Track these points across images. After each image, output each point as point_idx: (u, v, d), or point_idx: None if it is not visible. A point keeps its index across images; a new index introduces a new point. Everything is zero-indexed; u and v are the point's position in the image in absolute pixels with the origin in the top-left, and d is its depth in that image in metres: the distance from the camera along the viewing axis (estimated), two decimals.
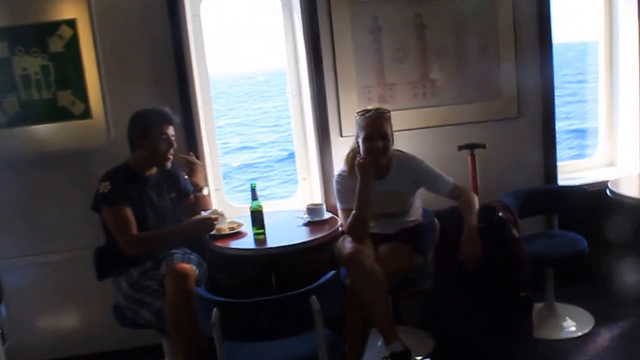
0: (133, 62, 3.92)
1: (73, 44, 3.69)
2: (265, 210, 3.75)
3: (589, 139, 6.86)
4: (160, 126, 3.53)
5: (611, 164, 4.89)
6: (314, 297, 2.61)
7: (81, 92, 3.75)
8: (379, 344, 3.81)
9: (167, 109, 3.57)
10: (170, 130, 3.57)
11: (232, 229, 3.80)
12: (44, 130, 3.77)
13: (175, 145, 3.59)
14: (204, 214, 3.68)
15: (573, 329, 3.99)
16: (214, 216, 3.61)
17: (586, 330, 3.95)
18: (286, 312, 2.64)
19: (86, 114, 3.78)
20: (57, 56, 3.70)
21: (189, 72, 3.95)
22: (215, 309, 2.60)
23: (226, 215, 3.77)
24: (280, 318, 2.64)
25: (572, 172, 4.81)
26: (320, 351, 2.70)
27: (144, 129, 3.52)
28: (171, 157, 3.60)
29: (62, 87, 3.73)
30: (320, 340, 2.68)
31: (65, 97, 3.74)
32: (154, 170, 3.64)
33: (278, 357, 2.86)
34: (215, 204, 4.08)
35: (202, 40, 4.12)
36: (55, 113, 3.75)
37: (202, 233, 3.71)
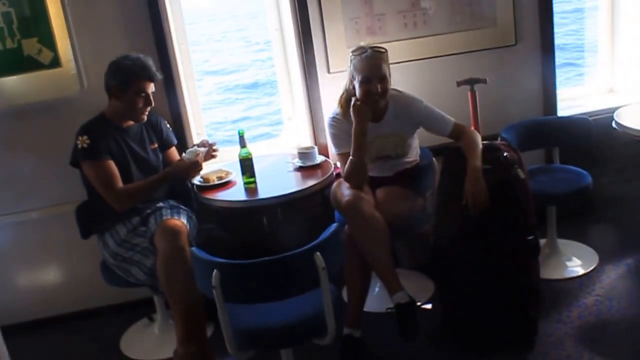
0: (102, 3, 3.82)
1: None
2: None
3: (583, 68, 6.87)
4: (142, 83, 3.49)
5: (611, 91, 4.91)
6: (318, 253, 2.63)
7: (48, 39, 3.65)
8: (377, 289, 3.90)
9: (151, 62, 3.52)
10: (151, 88, 3.53)
11: (220, 178, 3.80)
12: (10, 82, 3.68)
13: (153, 104, 3.56)
14: (185, 155, 3.67)
15: (577, 267, 4.07)
16: (198, 156, 3.63)
17: (591, 268, 4.03)
18: (289, 271, 2.66)
19: (55, 62, 3.69)
20: (19, 1, 3.58)
21: (162, 9, 3.86)
22: (215, 271, 2.61)
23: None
24: (283, 277, 2.66)
25: (570, 99, 4.81)
26: (327, 309, 2.75)
27: (123, 82, 3.48)
28: (147, 113, 3.59)
29: (27, 35, 3.62)
30: (326, 298, 2.72)
31: (31, 46, 3.64)
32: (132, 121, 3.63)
33: (281, 316, 2.88)
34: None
35: None
36: (22, 63, 3.65)
37: (190, 176, 3.73)
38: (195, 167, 3.65)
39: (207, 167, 3.92)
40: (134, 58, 3.50)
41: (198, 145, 3.76)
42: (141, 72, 3.47)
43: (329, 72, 4.16)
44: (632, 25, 4.64)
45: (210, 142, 3.84)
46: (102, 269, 3.68)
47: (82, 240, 3.75)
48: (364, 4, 4.14)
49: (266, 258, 2.63)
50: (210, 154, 3.80)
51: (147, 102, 3.53)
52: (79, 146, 3.45)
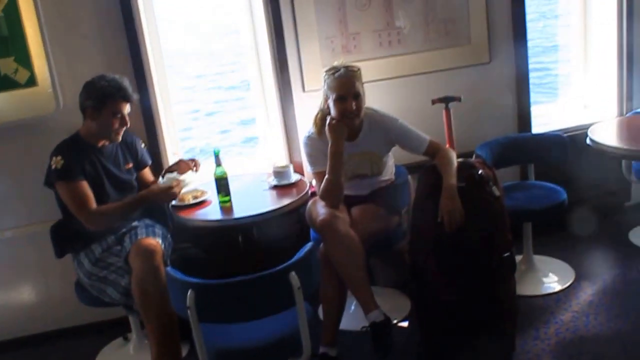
0: (79, 23, 3.84)
1: (12, 6, 3.58)
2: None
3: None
4: (117, 103, 3.49)
5: (585, 107, 4.97)
6: (293, 273, 2.65)
7: (24, 58, 3.67)
8: (353, 307, 3.91)
9: (126, 83, 3.53)
10: (127, 109, 3.54)
11: (195, 197, 3.81)
12: None
13: (128, 124, 3.57)
14: (161, 180, 3.68)
15: (553, 283, 4.10)
16: (175, 183, 3.60)
17: (567, 284, 4.06)
18: (264, 291, 2.68)
19: (31, 81, 3.71)
20: None
21: (138, 29, 3.88)
22: (190, 291, 2.61)
23: (189, 179, 3.73)
24: (258, 297, 2.69)
25: (544, 115, 4.88)
26: (302, 328, 2.77)
27: (98, 102, 3.47)
28: (122, 133, 3.60)
29: (4, 54, 3.64)
30: (302, 317, 2.74)
31: (7, 65, 3.66)
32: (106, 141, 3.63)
33: (257, 336, 2.90)
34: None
35: None
36: None
37: (165, 202, 3.73)
38: (168, 192, 3.58)
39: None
40: (110, 79, 3.50)
41: (178, 170, 3.76)
42: (117, 93, 3.48)
43: (304, 90, 4.20)
44: (605, 41, 4.71)
45: (191, 159, 3.85)
46: (77, 288, 3.68)
47: (57, 259, 3.74)
48: (339, 23, 4.19)
49: (241, 278, 2.65)
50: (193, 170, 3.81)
51: (123, 123, 3.54)
52: (53, 167, 3.45)
